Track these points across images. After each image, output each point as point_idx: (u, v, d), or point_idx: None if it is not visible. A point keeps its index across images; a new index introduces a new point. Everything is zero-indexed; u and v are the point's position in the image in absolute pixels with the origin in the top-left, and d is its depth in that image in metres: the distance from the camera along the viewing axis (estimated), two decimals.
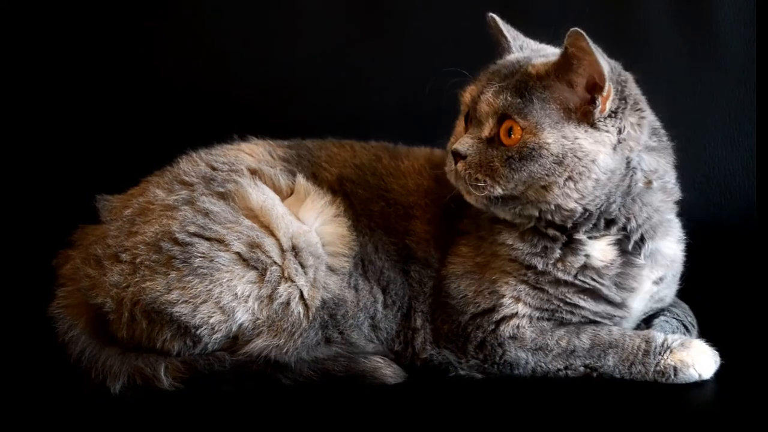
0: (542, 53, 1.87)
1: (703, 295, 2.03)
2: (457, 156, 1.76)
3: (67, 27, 2.73)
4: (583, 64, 1.70)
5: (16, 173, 2.73)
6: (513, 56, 1.87)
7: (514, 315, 1.83)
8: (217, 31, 2.76)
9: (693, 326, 1.96)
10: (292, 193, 1.93)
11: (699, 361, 1.77)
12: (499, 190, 1.74)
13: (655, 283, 1.88)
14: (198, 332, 1.80)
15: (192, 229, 1.81)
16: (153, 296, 1.79)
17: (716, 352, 1.80)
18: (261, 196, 1.86)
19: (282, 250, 1.82)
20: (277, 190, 1.91)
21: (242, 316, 1.79)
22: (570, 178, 1.72)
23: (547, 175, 1.72)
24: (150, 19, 2.76)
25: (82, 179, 2.52)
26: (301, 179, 1.94)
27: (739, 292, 2.22)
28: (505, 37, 1.91)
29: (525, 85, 1.74)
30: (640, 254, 1.83)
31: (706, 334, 1.90)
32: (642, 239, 1.83)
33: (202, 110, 2.72)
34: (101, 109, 2.75)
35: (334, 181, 1.98)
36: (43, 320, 1.91)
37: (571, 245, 1.81)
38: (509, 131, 1.73)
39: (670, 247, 1.90)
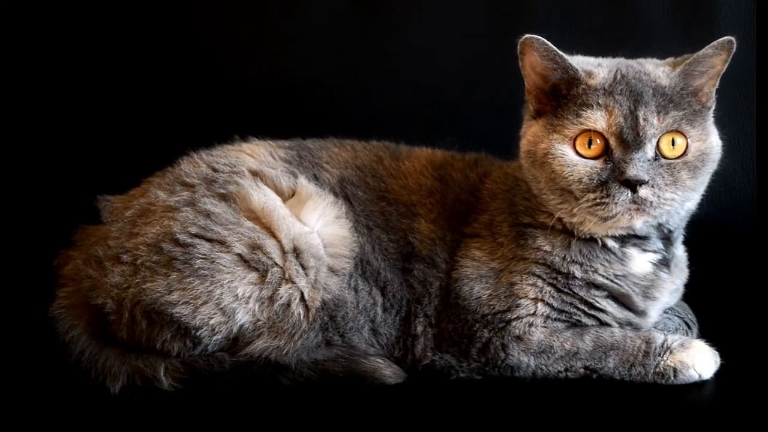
0: (596, 63, 1.83)
1: (703, 295, 2.02)
2: (637, 183, 1.70)
3: (67, 27, 2.73)
4: (710, 71, 1.76)
5: (16, 173, 2.73)
6: (606, 74, 1.77)
7: (530, 314, 1.82)
8: (218, 31, 2.76)
9: (694, 324, 1.97)
10: (293, 195, 1.92)
11: (699, 361, 1.78)
12: (684, 204, 1.76)
13: (670, 293, 1.90)
14: (198, 333, 1.80)
15: (193, 230, 1.81)
16: (153, 297, 1.79)
17: (716, 353, 1.80)
18: (262, 197, 1.86)
19: (283, 252, 1.82)
20: (279, 192, 1.91)
21: (243, 317, 1.79)
22: (710, 174, 1.79)
23: (706, 177, 1.78)
24: (150, 19, 2.75)
25: (83, 179, 2.52)
26: (303, 180, 1.93)
27: (739, 292, 2.22)
28: (562, 56, 1.77)
29: (670, 96, 1.74)
30: (669, 267, 1.86)
31: (706, 334, 1.91)
32: (673, 254, 1.87)
33: (203, 110, 2.72)
34: (102, 109, 2.75)
35: (335, 182, 1.97)
36: (43, 320, 1.90)
37: (617, 255, 1.82)
38: (672, 143, 1.72)
39: (679, 247, 1.92)
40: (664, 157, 1.72)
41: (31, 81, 2.75)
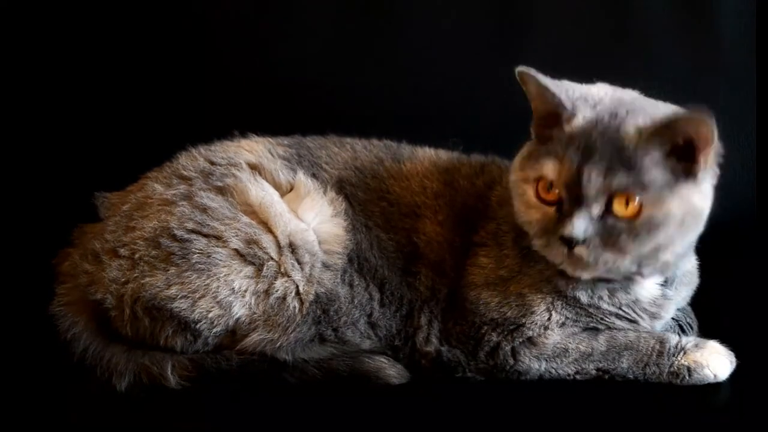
0: (594, 104, 1.75)
1: (702, 295, 2.02)
2: (572, 242, 1.68)
3: (66, 26, 2.72)
4: (685, 137, 1.65)
5: (16, 173, 2.73)
6: (583, 121, 1.71)
7: (545, 320, 1.82)
8: (218, 29, 2.76)
9: (691, 327, 1.96)
10: (291, 189, 1.93)
11: (713, 361, 1.78)
12: (626, 265, 1.72)
13: (677, 303, 1.91)
14: (198, 327, 1.81)
15: (190, 225, 1.81)
16: (153, 292, 1.79)
17: (732, 353, 1.80)
18: (260, 192, 1.86)
19: (279, 247, 1.82)
20: (277, 186, 1.92)
21: (239, 310, 1.80)
22: (683, 236, 1.72)
23: (668, 240, 1.69)
24: (149, 17, 2.75)
25: (83, 178, 2.50)
26: (301, 176, 1.93)
27: (739, 292, 2.22)
28: (552, 93, 1.73)
29: (629, 157, 1.65)
30: (672, 286, 1.86)
31: (707, 334, 1.90)
32: (675, 274, 1.86)
33: (202, 109, 2.72)
34: (101, 107, 2.75)
35: (333, 183, 1.98)
36: (44, 319, 1.91)
37: (623, 284, 1.81)
38: (626, 203, 1.66)
39: (690, 262, 1.93)
40: (614, 216, 1.67)
41: (31, 80, 2.75)
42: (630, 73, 1.84)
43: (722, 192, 1.79)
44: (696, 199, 1.69)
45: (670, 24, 2.65)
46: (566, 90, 1.76)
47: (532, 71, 1.73)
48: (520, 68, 1.74)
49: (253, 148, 2.00)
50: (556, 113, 1.74)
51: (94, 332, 1.88)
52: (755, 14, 2.57)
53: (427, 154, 2.06)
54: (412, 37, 2.71)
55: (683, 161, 1.67)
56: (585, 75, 1.87)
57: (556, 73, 1.86)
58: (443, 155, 2.06)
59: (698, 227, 1.74)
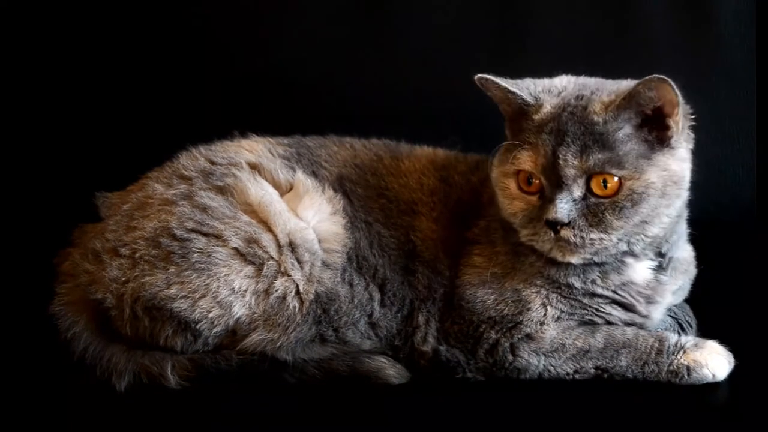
0: (558, 92, 1.80)
1: (702, 294, 2.02)
2: (558, 225, 1.70)
3: (66, 26, 2.72)
4: (653, 105, 1.70)
5: (16, 173, 2.72)
6: (550, 107, 1.76)
7: (541, 315, 1.82)
8: (218, 29, 2.76)
9: (690, 326, 1.96)
10: (291, 189, 1.93)
11: (712, 361, 1.77)
12: (613, 241, 1.73)
13: (673, 293, 1.90)
14: (198, 327, 1.81)
15: (190, 225, 1.81)
16: (153, 292, 1.79)
17: (730, 353, 1.80)
18: (260, 191, 1.86)
19: (279, 246, 1.82)
20: (277, 185, 1.92)
21: (239, 310, 1.80)
22: (667, 206, 1.74)
23: (653, 211, 1.72)
24: (150, 16, 2.75)
25: (83, 178, 2.51)
26: (300, 175, 1.94)
27: (739, 292, 2.22)
28: (513, 92, 1.78)
29: (600, 134, 1.70)
30: (666, 271, 1.86)
31: (707, 333, 1.90)
32: (670, 259, 1.86)
33: (202, 109, 2.72)
34: (101, 107, 2.75)
35: (333, 180, 1.98)
36: (44, 319, 1.90)
37: (614, 266, 1.81)
38: (604, 183, 1.70)
39: (685, 249, 1.93)
40: (595, 196, 1.70)
41: (31, 80, 2.75)
42: (630, 73, 1.84)
43: (722, 192, 1.79)
44: (674, 166, 1.73)
45: (670, 24, 2.65)
46: (527, 87, 1.80)
47: (490, 76, 1.78)
48: (478, 76, 1.79)
49: (253, 148, 2.00)
50: (522, 110, 1.79)
51: (94, 332, 1.88)
52: (755, 14, 2.57)
53: (425, 152, 2.07)
54: (411, 37, 2.71)
55: (656, 131, 1.72)
56: (585, 75, 1.88)
57: (556, 73, 1.87)
58: (441, 153, 2.07)
59: (681, 194, 1.77)
